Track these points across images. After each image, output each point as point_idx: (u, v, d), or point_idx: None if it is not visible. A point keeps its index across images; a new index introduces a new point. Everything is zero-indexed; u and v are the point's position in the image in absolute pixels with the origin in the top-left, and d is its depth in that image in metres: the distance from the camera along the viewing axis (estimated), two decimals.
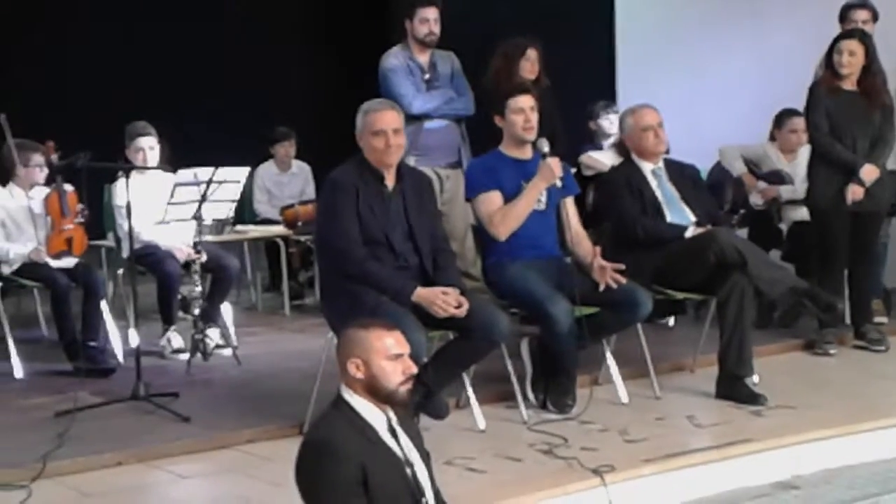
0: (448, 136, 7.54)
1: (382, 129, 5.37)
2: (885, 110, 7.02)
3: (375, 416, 3.64)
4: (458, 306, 5.23)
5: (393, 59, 7.51)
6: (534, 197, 5.89)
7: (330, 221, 5.39)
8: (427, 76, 7.53)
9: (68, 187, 6.90)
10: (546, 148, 5.91)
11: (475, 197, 5.96)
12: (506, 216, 5.86)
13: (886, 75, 7.04)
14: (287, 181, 9.41)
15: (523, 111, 5.94)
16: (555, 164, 5.89)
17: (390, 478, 3.55)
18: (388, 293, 5.24)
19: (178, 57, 10.74)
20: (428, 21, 7.49)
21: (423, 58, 7.55)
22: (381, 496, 3.49)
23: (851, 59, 6.89)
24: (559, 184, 5.93)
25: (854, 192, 6.84)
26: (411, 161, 6.75)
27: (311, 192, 9.18)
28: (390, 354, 3.64)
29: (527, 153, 6.03)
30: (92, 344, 6.68)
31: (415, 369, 3.69)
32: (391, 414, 3.68)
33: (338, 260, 5.36)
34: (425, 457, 3.73)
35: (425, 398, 5.30)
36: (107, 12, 10.67)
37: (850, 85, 6.96)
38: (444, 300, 5.22)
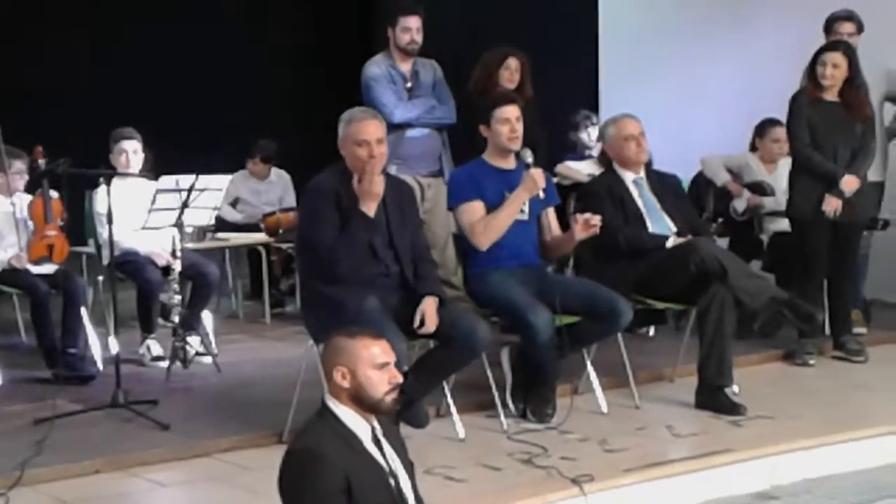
0: (429, 144, 7.54)
1: (366, 139, 5.36)
2: (867, 122, 7.04)
3: (360, 425, 3.63)
4: (422, 325, 5.25)
5: (375, 67, 7.50)
6: (516, 208, 5.87)
7: (310, 227, 5.38)
8: (409, 85, 7.52)
9: (53, 194, 6.87)
10: (530, 158, 5.90)
11: (457, 206, 5.94)
12: (488, 226, 5.84)
13: (869, 87, 7.07)
14: (265, 189, 9.35)
15: (509, 121, 5.92)
16: (538, 174, 5.87)
17: (374, 488, 3.55)
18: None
19: (167, 62, 10.74)
20: (410, 30, 7.48)
21: (406, 66, 7.54)
22: None
23: (835, 72, 6.90)
24: (542, 195, 5.92)
25: (831, 204, 6.86)
26: (392, 169, 6.72)
27: (290, 200, 9.12)
28: (377, 363, 3.64)
29: (510, 163, 6.01)
30: (71, 351, 6.64)
31: (401, 379, 3.69)
32: (375, 424, 3.67)
33: (318, 265, 5.35)
34: (409, 467, 3.73)
35: (405, 407, 5.27)
36: (105, 16, 10.68)
37: (832, 96, 6.96)
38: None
